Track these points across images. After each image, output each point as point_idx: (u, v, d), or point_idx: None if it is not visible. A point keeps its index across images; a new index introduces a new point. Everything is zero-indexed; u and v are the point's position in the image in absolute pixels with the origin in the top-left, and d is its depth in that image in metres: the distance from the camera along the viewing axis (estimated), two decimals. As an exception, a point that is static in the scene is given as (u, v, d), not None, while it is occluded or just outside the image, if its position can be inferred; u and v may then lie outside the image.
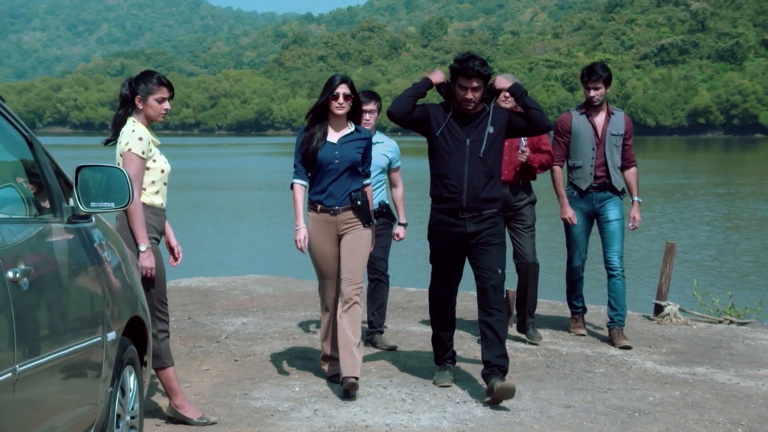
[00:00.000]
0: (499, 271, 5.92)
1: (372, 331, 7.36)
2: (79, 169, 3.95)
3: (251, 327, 8.15)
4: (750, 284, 14.31)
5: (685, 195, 31.16)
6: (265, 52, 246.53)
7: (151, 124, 5.33)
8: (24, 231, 3.46)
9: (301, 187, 6.14)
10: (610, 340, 7.60)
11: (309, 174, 6.12)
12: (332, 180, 6.02)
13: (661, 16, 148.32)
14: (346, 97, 6.01)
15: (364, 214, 6.05)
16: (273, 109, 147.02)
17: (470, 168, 5.86)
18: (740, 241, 19.91)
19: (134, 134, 5.16)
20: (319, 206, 6.07)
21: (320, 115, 6.09)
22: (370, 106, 7.13)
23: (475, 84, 5.80)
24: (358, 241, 6.05)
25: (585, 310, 8.04)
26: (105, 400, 3.92)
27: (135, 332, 4.46)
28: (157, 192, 5.28)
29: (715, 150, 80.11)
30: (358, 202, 6.02)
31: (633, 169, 7.71)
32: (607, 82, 7.52)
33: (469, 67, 5.77)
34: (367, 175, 6.20)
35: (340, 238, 6.08)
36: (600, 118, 7.56)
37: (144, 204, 5.16)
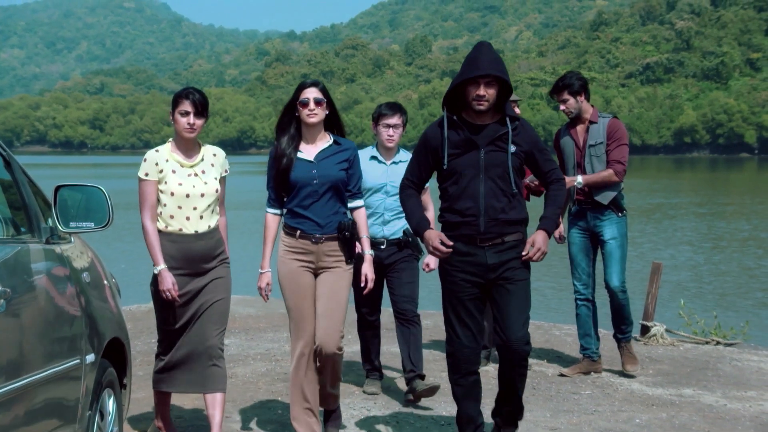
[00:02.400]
0: (523, 323, 4.86)
1: (410, 377, 6.27)
2: (57, 188, 3.94)
3: (233, 348, 8.12)
4: (734, 305, 14.36)
5: (666, 215, 31.27)
6: (248, 70, 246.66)
7: (187, 141, 5.12)
8: (0, 252, 3.44)
9: (273, 217, 5.31)
10: (622, 364, 7.29)
11: (285, 199, 5.30)
12: (312, 203, 5.20)
13: (646, 34, 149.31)
14: (317, 102, 5.18)
15: (349, 249, 5.26)
16: (255, 127, 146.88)
17: (487, 184, 4.82)
18: (722, 261, 19.99)
19: (146, 155, 5.17)
20: (298, 232, 5.23)
21: (290, 128, 5.28)
22: (395, 119, 6.30)
23: (487, 79, 4.74)
24: (338, 280, 5.24)
25: (595, 355, 7.26)
26: (83, 424, 3.89)
27: (114, 354, 4.44)
28: (171, 217, 5.06)
29: (701, 169, 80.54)
30: (346, 234, 5.21)
31: (607, 170, 6.93)
32: (577, 92, 7.00)
33: (480, 59, 4.75)
34: (358, 195, 5.39)
35: (317, 272, 5.27)
36: (580, 131, 7.11)
37: (159, 231, 5.06)
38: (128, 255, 19.02)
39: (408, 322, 6.29)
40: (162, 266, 5.00)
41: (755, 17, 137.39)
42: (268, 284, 5.29)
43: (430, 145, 4.94)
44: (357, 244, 5.36)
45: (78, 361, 3.80)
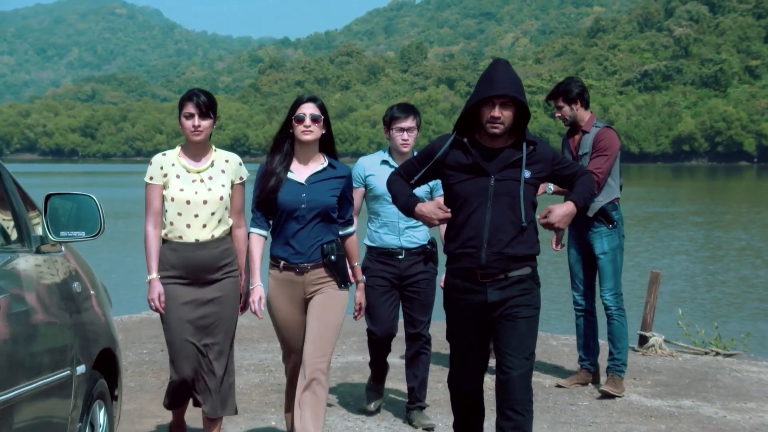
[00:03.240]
0: (528, 357, 4.49)
1: (411, 407, 6.08)
2: (48, 197, 3.94)
3: (225, 360, 8.09)
4: (731, 315, 14.37)
5: (663, 224, 31.31)
6: (241, 77, 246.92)
7: (197, 145, 5.00)
8: (-9, 261, 3.43)
9: (259, 238, 5.02)
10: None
11: (271, 220, 5.04)
12: (298, 230, 4.92)
13: (644, 41, 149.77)
14: (314, 119, 4.92)
15: (339, 273, 4.96)
16: (249, 135, 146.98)
17: (494, 214, 4.40)
18: (719, 271, 20.01)
19: (153, 158, 5.11)
20: (282, 263, 4.96)
21: (284, 145, 5.01)
22: (408, 122, 5.87)
23: (504, 99, 4.37)
24: (330, 302, 4.96)
25: (593, 366, 7.20)
26: (73, 436, 3.88)
27: (105, 365, 4.43)
28: (172, 223, 4.94)
29: (700, 178, 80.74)
30: (332, 257, 4.92)
31: (582, 177, 6.95)
32: (573, 100, 6.88)
33: (496, 78, 4.38)
34: (349, 223, 5.14)
35: (308, 302, 4.99)
36: (575, 140, 7.00)
37: (163, 238, 4.98)
38: (119, 264, 18.98)
39: (419, 348, 5.97)
40: (153, 275, 4.91)
41: (754, 24, 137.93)
42: (260, 298, 4.96)
43: (435, 156, 4.55)
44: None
45: (68, 372, 3.80)
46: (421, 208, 4.53)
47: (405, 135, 5.84)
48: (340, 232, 5.08)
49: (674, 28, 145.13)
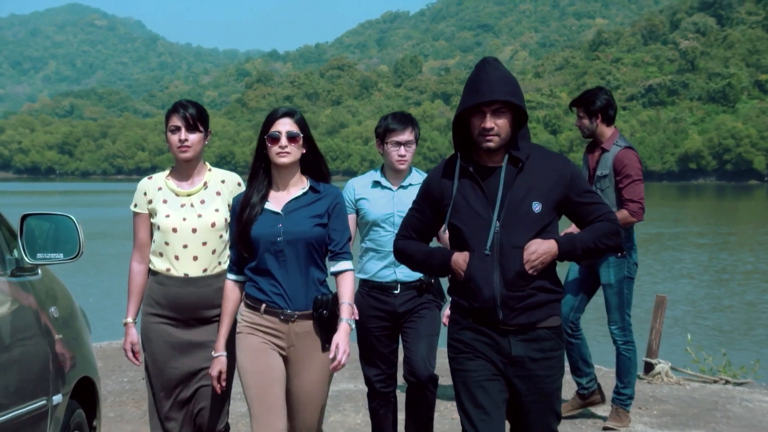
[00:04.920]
0: (554, 424, 3.95)
1: None
2: (24, 217, 3.94)
3: (210, 389, 8.06)
4: (740, 341, 14.38)
5: (665, 246, 31.34)
6: (227, 91, 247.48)
7: (187, 164, 4.62)
8: (-37, 285, 3.43)
9: (234, 286, 4.38)
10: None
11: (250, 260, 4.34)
12: (278, 268, 4.26)
13: (648, 55, 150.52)
14: (291, 137, 4.28)
15: (328, 332, 4.26)
16: (235, 152, 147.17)
17: (503, 263, 3.76)
18: (724, 295, 20.04)
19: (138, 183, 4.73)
20: (263, 305, 4.26)
21: (260, 172, 4.36)
22: (405, 135, 5.29)
23: (495, 106, 3.76)
24: (317, 380, 4.32)
25: (585, 390, 6.98)
26: (49, 470, 3.86)
27: (84, 394, 4.41)
28: (160, 254, 4.52)
29: (707, 197, 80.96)
30: (324, 312, 4.25)
31: (621, 211, 6.44)
32: (594, 113, 6.66)
33: (484, 81, 3.78)
34: (341, 256, 4.37)
35: (287, 355, 4.31)
36: (594, 157, 6.74)
37: (153, 271, 4.56)
38: (96, 288, 18.95)
39: (420, 391, 5.29)
40: (128, 320, 4.53)
41: (764, 37, 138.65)
42: (221, 373, 4.35)
43: (433, 196, 3.93)
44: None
45: (44, 402, 3.78)
46: (457, 257, 3.85)
47: (402, 150, 5.28)
48: (332, 269, 4.38)
49: (680, 40, 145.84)
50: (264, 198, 4.31)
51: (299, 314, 4.24)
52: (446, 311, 4.86)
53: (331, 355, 4.18)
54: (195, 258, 4.49)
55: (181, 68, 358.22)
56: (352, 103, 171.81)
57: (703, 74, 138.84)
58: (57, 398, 3.92)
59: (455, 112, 3.84)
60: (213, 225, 4.53)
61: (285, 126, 4.28)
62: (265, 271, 4.26)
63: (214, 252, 4.53)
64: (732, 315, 17.22)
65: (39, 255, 3.96)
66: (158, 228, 4.52)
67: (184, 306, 4.48)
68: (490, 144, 3.76)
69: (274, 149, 4.26)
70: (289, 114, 4.33)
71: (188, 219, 4.51)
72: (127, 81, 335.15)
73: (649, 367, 8.80)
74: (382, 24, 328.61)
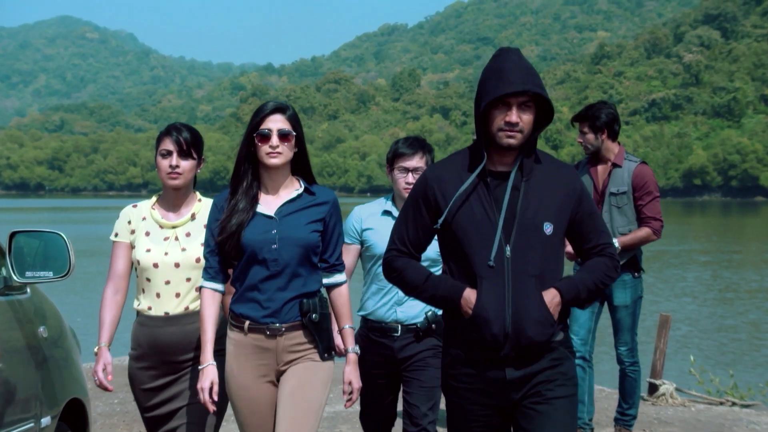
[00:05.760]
0: None
1: None
2: (13, 234, 3.93)
3: (203, 410, 8.04)
4: (745, 362, 14.36)
5: (668, 263, 31.34)
6: (222, 105, 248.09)
7: (176, 193, 4.35)
8: (-50, 303, 3.42)
9: (212, 295, 4.01)
10: None
11: (231, 270, 4.05)
12: (267, 278, 3.92)
13: (651, 68, 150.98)
14: (283, 135, 3.93)
15: (322, 337, 3.98)
16: (230, 167, 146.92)
17: (516, 292, 3.42)
18: (728, 314, 20.03)
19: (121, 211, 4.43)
20: (247, 323, 3.95)
21: (248, 174, 4.01)
22: (414, 161, 4.90)
23: (522, 98, 3.43)
24: (309, 377, 3.96)
25: (587, 426, 6.74)
26: (37, 494, 3.85)
27: (73, 416, 4.40)
28: (143, 291, 4.30)
29: (712, 214, 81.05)
30: (313, 316, 3.94)
31: (644, 229, 6.43)
32: (599, 128, 6.52)
33: (509, 70, 3.42)
34: (336, 269, 4.13)
35: (280, 375, 4.00)
36: (601, 172, 6.60)
37: (136, 311, 4.34)
38: (85, 307, 18.89)
39: None
40: (102, 344, 4.21)
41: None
42: (211, 385, 3.93)
43: (433, 196, 3.57)
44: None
45: (32, 424, 3.77)
46: (468, 295, 3.45)
47: (410, 177, 4.87)
48: (325, 281, 4.11)
49: (684, 54, 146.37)
50: (254, 202, 3.97)
51: (286, 326, 3.92)
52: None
53: (345, 396, 4.05)
54: (177, 295, 4.25)
55: (174, 82, 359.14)
56: (349, 118, 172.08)
57: (707, 88, 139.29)
58: (45, 420, 3.91)
59: (476, 102, 3.51)
60: (198, 261, 4.24)
61: (276, 123, 3.93)
62: (250, 283, 3.93)
63: (198, 289, 4.16)
64: (736, 335, 17.22)
65: (28, 273, 3.95)
66: (138, 263, 4.26)
67: (164, 347, 4.23)
68: (512, 141, 3.43)
69: (264, 149, 3.92)
70: (280, 109, 3.97)
71: (170, 253, 4.24)
72: (119, 95, 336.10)
73: (653, 389, 8.78)
74: (380, 37, 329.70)
